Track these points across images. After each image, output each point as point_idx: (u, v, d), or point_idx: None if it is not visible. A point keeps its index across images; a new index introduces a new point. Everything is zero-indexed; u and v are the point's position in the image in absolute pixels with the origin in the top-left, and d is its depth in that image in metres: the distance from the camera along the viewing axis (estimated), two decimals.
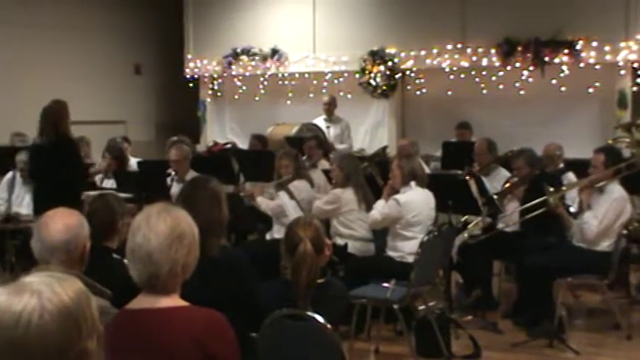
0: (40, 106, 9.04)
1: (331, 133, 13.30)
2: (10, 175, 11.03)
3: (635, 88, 12.37)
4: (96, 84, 15.41)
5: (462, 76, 13.26)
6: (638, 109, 11.72)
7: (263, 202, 9.15)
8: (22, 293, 1.93)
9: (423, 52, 13.39)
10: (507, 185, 9.23)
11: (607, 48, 12.09)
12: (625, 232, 8.26)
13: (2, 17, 14.01)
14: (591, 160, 8.54)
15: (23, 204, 10.21)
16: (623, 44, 12.06)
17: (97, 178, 10.93)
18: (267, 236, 9.31)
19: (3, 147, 12.08)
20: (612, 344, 8.02)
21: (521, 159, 9.17)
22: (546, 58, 12.38)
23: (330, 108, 13.56)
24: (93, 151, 12.09)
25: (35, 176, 9.65)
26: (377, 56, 13.69)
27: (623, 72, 12.25)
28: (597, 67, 12.24)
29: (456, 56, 13.15)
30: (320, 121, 13.45)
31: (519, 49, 12.55)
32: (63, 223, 4.08)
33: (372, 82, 13.76)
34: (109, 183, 10.88)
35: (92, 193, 8.38)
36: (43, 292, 1.94)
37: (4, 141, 12.37)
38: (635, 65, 12.24)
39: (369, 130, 14.26)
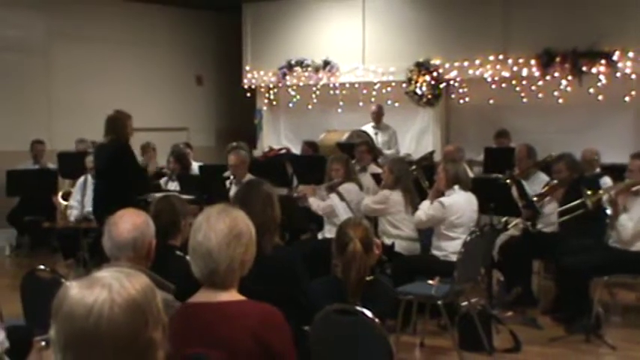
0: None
1: (379, 139, 13.30)
2: (82, 178, 11.20)
3: None
4: (161, 94, 15.54)
5: (503, 85, 13.18)
6: None
7: (315, 203, 9.17)
8: (94, 287, 1.95)
9: (466, 63, 13.34)
10: (547, 188, 9.18)
11: None
12: None
13: (76, 34, 14.21)
14: (628, 164, 8.48)
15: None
16: None
17: (162, 180, 11.01)
18: (319, 236, 9.33)
19: (73, 153, 12.25)
20: None
21: (561, 163, 9.13)
22: (584, 68, 12.27)
23: (378, 116, 13.58)
24: (158, 156, 12.18)
25: (96, 176, 9.77)
26: (422, 67, 13.66)
27: None
28: (633, 76, 12.10)
29: (498, 67, 13.07)
30: (368, 128, 13.46)
31: (558, 59, 12.45)
32: (131, 223, 4.12)
33: (418, 91, 13.73)
34: (173, 185, 10.95)
35: (157, 194, 8.44)
36: (112, 286, 1.96)
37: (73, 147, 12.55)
38: None
39: (415, 136, 14.23)
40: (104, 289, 1.94)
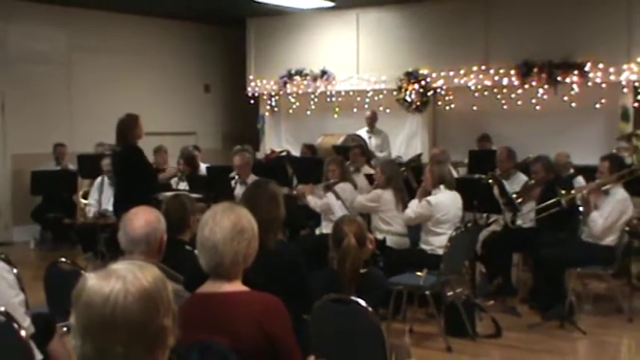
0: None
1: (372, 142, 13.29)
2: (99, 179, 11.20)
3: (636, 104, 12.21)
4: (171, 101, 15.54)
5: (486, 93, 13.18)
6: (639, 122, 11.58)
7: (312, 201, 9.16)
8: (110, 278, 1.96)
9: (451, 73, 13.33)
10: (526, 187, 9.18)
11: (611, 69, 11.97)
12: (627, 228, 8.18)
13: (95, 47, 14.22)
14: (598, 166, 8.50)
15: (110, 203, 10.30)
16: (625, 66, 11.93)
17: (173, 180, 11.00)
18: (317, 231, 9.32)
19: (91, 155, 12.24)
20: (616, 326, 7.96)
21: (538, 164, 9.13)
22: (559, 78, 12.28)
23: (371, 121, 13.56)
24: (169, 158, 12.17)
25: (114, 178, 9.76)
26: (411, 76, 13.64)
27: (625, 90, 12.11)
28: (603, 85, 12.11)
29: (480, 76, 13.07)
30: (363, 133, 13.44)
31: (535, 70, 12.45)
32: (144, 219, 4.12)
33: (408, 98, 13.72)
34: (183, 185, 10.93)
35: (168, 193, 8.43)
36: (127, 277, 1.96)
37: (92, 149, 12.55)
38: (637, 84, 12.10)
39: (405, 140, 14.22)
40: (119, 280, 1.95)
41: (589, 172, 9.20)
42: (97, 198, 11.15)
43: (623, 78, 11.98)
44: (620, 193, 8.15)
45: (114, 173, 9.60)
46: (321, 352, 3.80)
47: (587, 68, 12.08)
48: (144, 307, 1.94)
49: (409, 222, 8.25)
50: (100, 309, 1.92)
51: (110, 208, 10.09)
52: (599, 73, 12.05)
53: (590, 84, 12.15)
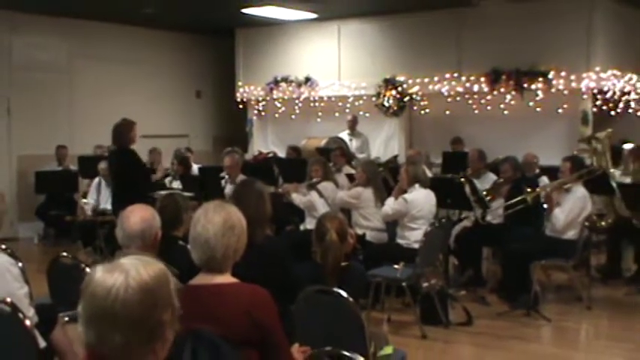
0: None
1: (353, 144, 13.32)
2: (96, 180, 11.21)
3: (595, 109, 12.34)
4: (165, 106, 15.51)
5: (458, 99, 13.20)
6: (598, 126, 11.64)
7: (297, 198, 9.16)
8: (114, 272, 1.96)
9: (426, 80, 13.34)
10: (495, 186, 9.21)
11: (572, 77, 12.02)
12: (587, 223, 8.23)
13: (93, 55, 14.21)
14: (560, 166, 8.54)
15: (109, 202, 10.29)
16: (585, 74, 11.98)
17: (167, 180, 10.98)
18: (301, 227, 9.32)
19: (91, 157, 12.22)
20: (576, 313, 8.05)
21: (507, 164, 9.17)
22: (525, 85, 12.32)
23: (352, 124, 13.59)
24: (163, 159, 12.15)
25: (111, 179, 9.72)
26: (389, 83, 13.65)
27: (585, 96, 12.16)
28: (565, 92, 12.15)
29: (453, 83, 13.09)
30: (344, 135, 13.46)
31: (504, 77, 12.49)
32: (139, 216, 4.11)
33: (386, 103, 13.72)
34: (176, 184, 10.92)
35: (162, 192, 8.41)
36: (129, 272, 1.96)
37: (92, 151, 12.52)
38: (595, 91, 12.21)
39: (383, 142, 14.22)
40: (122, 274, 1.95)
41: (552, 172, 9.26)
42: (95, 197, 11.17)
43: (583, 85, 12.03)
44: (580, 191, 8.20)
45: (110, 174, 9.56)
46: (305, 339, 3.81)
47: (550, 76, 12.12)
48: (143, 301, 1.93)
49: (386, 218, 8.26)
50: (102, 300, 1.91)
51: (109, 207, 10.08)
52: (561, 81, 12.09)
53: (553, 90, 12.19)
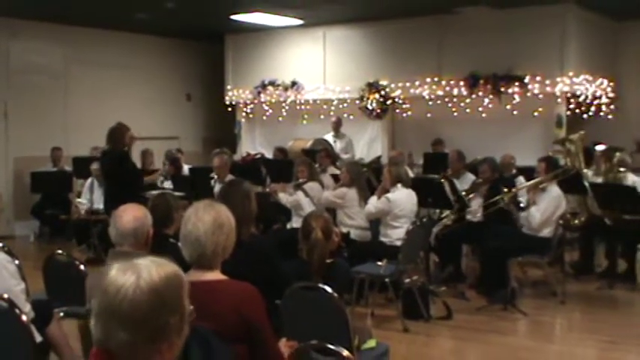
0: None
1: (337, 146, 13.31)
2: (89, 181, 11.21)
3: (568, 112, 12.41)
4: (156, 109, 15.47)
5: (438, 102, 13.22)
6: (571, 128, 11.69)
7: (284, 198, 9.15)
8: (127, 271, 1.94)
9: (408, 84, 13.37)
10: (474, 185, 9.23)
11: (547, 82, 12.08)
12: (561, 222, 8.27)
13: (88, 60, 14.17)
14: (536, 167, 8.58)
15: (101, 202, 10.26)
16: (559, 79, 12.05)
17: (159, 180, 10.96)
18: (288, 225, 9.31)
19: (85, 158, 12.19)
20: (550, 307, 8.08)
21: (485, 165, 9.19)
22: (502, 89, 12.36)
23: (336, 127, 13.58)
24: (155, 159, 12.12)
25: (104, 179, 9.69)
26: (373, 87, 13.67)
27: (559, 100, 12.24)
28: (540, 96, 12.21)
29: (434, 87, 13.12)
30: (329, 137, 13.45)
31: (482, 82, 12.53)
32: (132, 215, 4.09)
33: (369, 107, 13.74)
34: (167, 184, 10.90)
35: (154, 192, 8.39)
36: (142, 272, 1.93)
37: (86, 153, 12.47)
38: (568, 95, 12.28)
39: (367, 144, 14.23)
40: (134, 275, 1.92)
41: (528, 172, 9.29)
42: (88, 197, 11.15)
43: (557, 89, 12.10)
44: (554, 191, 8.23)
45: (103, 175, 9.53)
46: (292, 334, 3.81)
47: (526, 80, 12.17)
48: (150, 303, 1.91)
49: (370, 216, 8.27)
50: (111, 298, 1.90)
51: (101, 206, 10.06)
52: (537, 85, 12.15)
53: (529, 94, 12.24)
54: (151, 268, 1.96)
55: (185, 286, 2.04)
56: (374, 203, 8.06)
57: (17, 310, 3.99)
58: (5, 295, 4.07)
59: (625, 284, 8.82)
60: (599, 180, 9.28)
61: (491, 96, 12.53)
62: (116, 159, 8.74)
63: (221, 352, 3.00)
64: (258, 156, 13.62)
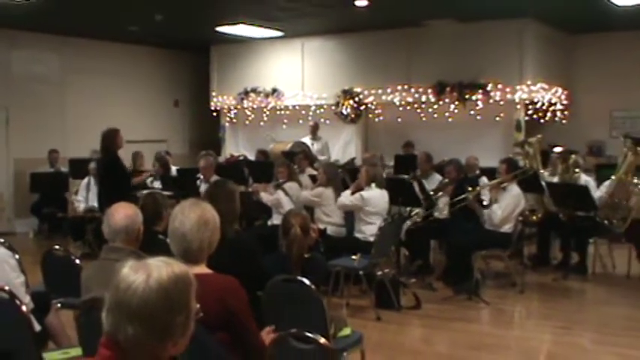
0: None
1: (315, 148, 13.29)
2: (86, 179, 11.14)
3: (527, 118, 12.50)
4: (146, 113, 15.44)
5: (408, 108, 13.26)
6: (530, 132, 11.76)
7: (265, 197, 9.13)
8: (139, 270, 1.92)
9: (380, 91, 13.40)
10: (441, 185, 9.26)
11: (508, 89, 12.17)
12: (520, 218, 8.31)
13: (83, 68, 14.12)
14: (498, 168, 8.62)
15: (96, 199, 10.20)
16: (518, 87, 12.14)
17: (148, 180, 10.91)
18: (269, 222, 9.30)
19: (80, 159, 12.12)
20: (511, 297, 8.12)
21: (451, 166, 9.22)
22: (467, 96, 12.43)
23: (314, 130, 13.57)
24: (145, 161, 12.07)
25: (98, 180, 9.65)
26: (347, 93, 13.69)
27: (518, 106, 12.33)
28: (501, 102, 12.29)
29: (404, 94, 13.15)
30: (306, 140, 13.44)
31: (448, 89, 12.58)
32: (124, 213, 4.07)
33: (344, 112, 13.76)
34: (157, 184, 10.86)
35: (144, 191, 8.35)
36: (152, 272, 1.92)
37: (86, 155, 12.40)
38: (527, 102, 12.37)
39: (342, 146, 14.22)
40: (144, 274, 1.91)
41: (491, 173, 9.33)
42: (84, 195, 11.08)
43: (516, 97, 12.19)
44: (514, 190, 8.28)
45: (97, 177, 9.49)
46: (273, 323, 3.80)
47: (489, 88, 12.25)
48: (157, 301, 1.89)
49: (342, 208, 8.23)
50: (122, 294, 1.89)
51: (96, 204, 10.00)
52: (498, 93, 12.23)
53: (491, 101, 12.31)
54: (162, 268, 1.94)
55: (193, 287, 2.01)
56: (348, 196, 8.05)
57: (18, 301, 3.97)
58: (6, 287, 4.06)
59: (578, 275, 8.89)
60: (555, 180, 9.35)
61: (456, 102, 12.58)
62: (107, 164, 8.73)
63: (205, 340, 3.00)
64: (241, 158, 13.58)
